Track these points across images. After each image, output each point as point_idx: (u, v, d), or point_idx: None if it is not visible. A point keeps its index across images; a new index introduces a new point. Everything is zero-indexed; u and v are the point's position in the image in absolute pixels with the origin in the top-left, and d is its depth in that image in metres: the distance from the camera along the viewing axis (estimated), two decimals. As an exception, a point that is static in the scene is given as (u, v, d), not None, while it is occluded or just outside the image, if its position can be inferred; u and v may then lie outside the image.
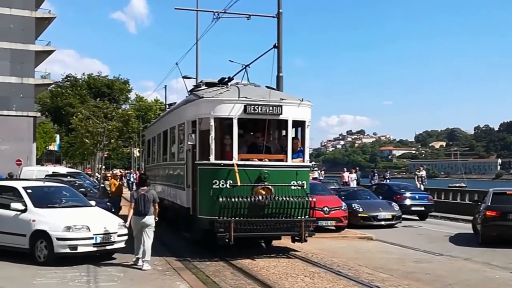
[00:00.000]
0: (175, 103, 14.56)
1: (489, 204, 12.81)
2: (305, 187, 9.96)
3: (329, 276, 8.44)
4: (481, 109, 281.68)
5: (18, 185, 10.32)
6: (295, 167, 10.07)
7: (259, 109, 9.74)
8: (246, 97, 9.78)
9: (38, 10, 43.95)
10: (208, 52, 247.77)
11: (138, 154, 59.78)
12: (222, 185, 9.54)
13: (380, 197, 18.57)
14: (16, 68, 41.28)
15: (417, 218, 19.28)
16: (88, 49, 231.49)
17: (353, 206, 16.33)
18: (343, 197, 17.41)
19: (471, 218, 15.12)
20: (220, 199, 9.26)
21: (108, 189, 16.82)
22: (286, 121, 10.13)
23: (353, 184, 25.68)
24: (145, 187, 9.29)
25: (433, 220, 19.28)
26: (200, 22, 25.20)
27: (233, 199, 9.26)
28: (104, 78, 59.23)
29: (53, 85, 51.66)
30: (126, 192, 21.76)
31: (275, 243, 11.44)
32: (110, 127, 38.39)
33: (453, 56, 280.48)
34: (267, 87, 11.14)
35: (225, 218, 9.25)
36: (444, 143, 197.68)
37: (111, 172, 20.22)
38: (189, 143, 10.33)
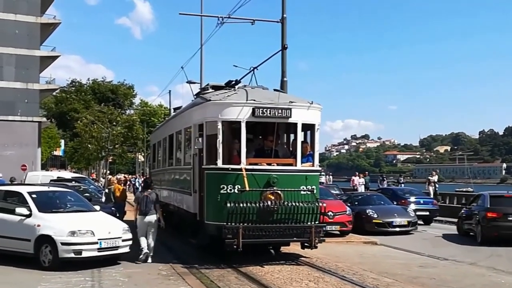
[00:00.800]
0: (180, 107, 14.39)
1: (489, 206, 13.70)
2: (315, 192, 9.75)
3: (334, 281, 8.37)
4: (485, 113, 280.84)
5: (23, 190, 10.36)
6: (305, 172, 9.86)
7: (268, 112, 9.53)
8: (254, 100, 9.57)
9: (43, 16, 44.16)
10: (213, 56, 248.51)
11: (142, 159, 59.76)
12: (230, 190, 9.33)
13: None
14: (21, 74, 41.41)
15: (421, 222, 19.04)
16: (93, 55, 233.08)
17: (367, 212, 15.94)
18: (356, 203, 17.16)
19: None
20: (228, 205, 9.05)
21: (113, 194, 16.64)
22: (295, 124, 9.92)
23: (361, 188, 25.40)
24: (149, 190, 10.38)
25: (438, 225, 19.16)
26: (205, 27, 25.09)
27: (241, 205, 9.05)
28: (109, 83, 59.37)
29: (58, 90, 51.79)
30: (130, 197, 21.63)
31: (283, 249, 11.23)
32: (114, 132, 38.38)
33: (457, 60, 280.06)
34: (275, 90, 10.96)
35: (233, 224, 9.04)
36: (448, 148, 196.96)
37: (115, 177, 20.07)
38: (196, 147, 10.15)
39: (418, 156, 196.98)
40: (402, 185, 27.48)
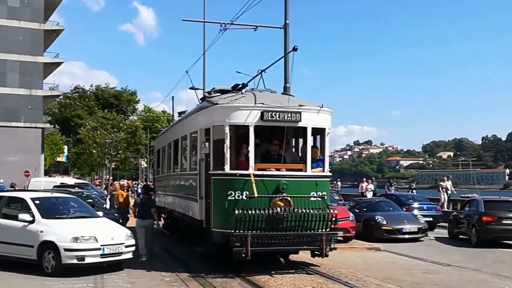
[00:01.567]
0: (185, 111, 14.14)
1: (483, 210, 14.46)
2: (325, 198, 9.46)
3: (337, 287, 8.30)
4: (488, 119, 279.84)
5: (26, 196, 10.33)
6: (315, 177, 9.58)
7: (277, 116, 9.24)
8: (263, 103, 9.30)
9: (47, 23, 44.26)
10: (216, 62, 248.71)
11: (145, 165, 59.59)
12: (238, 196, 9.05)
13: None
14: (24, 80, 41.45)
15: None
16: (97, 61, 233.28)
17: (376, 218, 15.54)
18: (364, 209, 16.81)
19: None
20: (236, 212, 8.76)
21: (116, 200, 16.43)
22: (305, 128, 9.62)
23: (369, 194, 25.08)
24: (148, 196, 11.73)
25: (441, 231, 18.81)
26: (208, 33, 25.02)
27: (249, 212, 8.75)
28: (112, 89, 59.44)
29: (61, 97, 51.82)
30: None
31: (292, 257, 10.95)
32: (117, 138, 38.26)
33: (461, 65, 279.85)
34: (283, 93, 10.71)
35: (241, 231, 8.75)
36: (451, 153, 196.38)
37: (118, 183, 19.86)
38: (202, 152, 9.88)
39: (421, 162, 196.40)
40: (414, 191, 27.09)
